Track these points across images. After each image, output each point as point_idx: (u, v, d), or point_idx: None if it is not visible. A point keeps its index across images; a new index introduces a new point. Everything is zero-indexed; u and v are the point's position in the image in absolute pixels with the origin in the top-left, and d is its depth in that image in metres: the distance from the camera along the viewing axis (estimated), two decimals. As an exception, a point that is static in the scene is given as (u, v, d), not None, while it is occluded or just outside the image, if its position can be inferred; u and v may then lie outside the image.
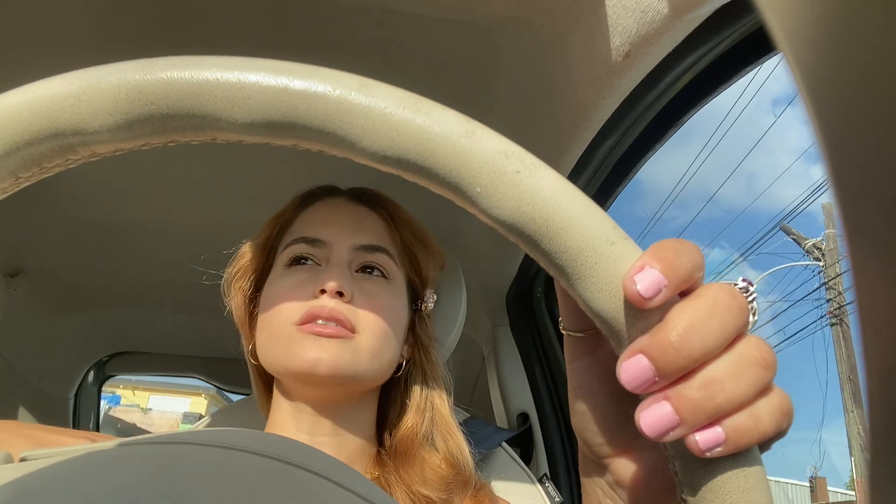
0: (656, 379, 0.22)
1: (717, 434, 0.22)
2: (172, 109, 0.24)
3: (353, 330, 0.55)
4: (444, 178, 0.24)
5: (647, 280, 0.22)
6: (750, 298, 0.25)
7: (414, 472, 0.56)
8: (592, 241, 0.23)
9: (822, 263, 9.51)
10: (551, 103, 0.71)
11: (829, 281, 9.29)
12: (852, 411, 8.75)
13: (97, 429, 1.78)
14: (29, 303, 1.27)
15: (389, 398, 0.63)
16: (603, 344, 0.30)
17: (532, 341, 1.11)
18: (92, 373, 1.68)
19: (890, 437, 0.14)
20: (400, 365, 0.62)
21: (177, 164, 0.93)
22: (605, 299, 0.24)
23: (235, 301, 0.64)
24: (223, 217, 1.04)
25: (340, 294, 0.56)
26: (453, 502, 0.55)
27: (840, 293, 9.12)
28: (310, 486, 0.34)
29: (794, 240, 9.92)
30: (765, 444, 0.24)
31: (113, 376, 1.80)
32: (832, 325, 9.12)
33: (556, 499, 0.76)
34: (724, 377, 0.22)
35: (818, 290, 9.36)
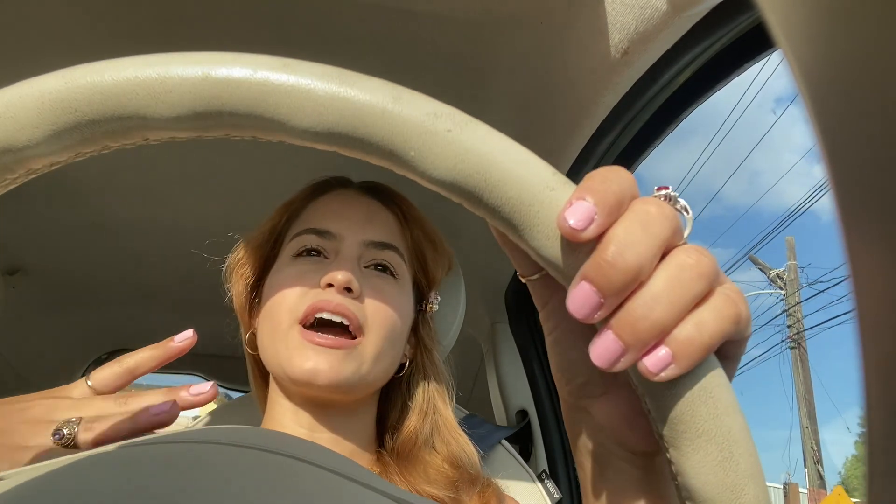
0: (601, 300, 0.22)
1: (662, 352, 0.22)
2: (97, 114, 0.24)
3: (359, 329, 0.54)
4: (377, 146, 0.24)
5: (578, 212, 0.22)
6: (678, 207, 0.26)
7: (417, 473, 0.55)
8: (532, 189, 0.23)
9: (783, 292, 10.42)
10: (550, 100, 0.71)
11: (790, 308, 10.18)
12: (807, 427, 9.61)
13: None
14: (27, 301, 1.26)
15: (390, 399, 0.62)
16: None
17: (531, 338, 1.11)
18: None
19: (888, 435, 0.14)
20: (402, 365, 0.61)
21: (175, 162, 0.93)
22: (552, 245, 0.24)
23: (236, 288, 0.63)
24: (222, 214, 1.04)
25: (349, 290, 0.54)
26: (462, 500, 0.54)
27: (799, 320, 10.00)
28: (315, 481, 0.34)
29: (760, 269, 10.86)
30: (730, 345, 0.25)
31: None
32: (791, 348, 10.01)
33: (556, 495, 0.76)
34: (657, 291, 0.22)
35: (780, 317, 10.37)
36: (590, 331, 0.30)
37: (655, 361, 0.22)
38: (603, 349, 0.23)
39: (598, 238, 0.23)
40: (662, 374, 0.22)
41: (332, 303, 0.53)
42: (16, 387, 1.33)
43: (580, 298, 0.23)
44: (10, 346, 1.30)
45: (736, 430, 0.23)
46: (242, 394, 0.95)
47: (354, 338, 0.54)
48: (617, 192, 0.23)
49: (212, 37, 0.69)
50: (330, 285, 0.54)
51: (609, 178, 0.23)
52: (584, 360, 0.30)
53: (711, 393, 0.23)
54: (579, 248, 0.23)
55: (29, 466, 0.35)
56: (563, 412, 0.34)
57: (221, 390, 1.97)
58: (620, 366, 0.23)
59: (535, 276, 0.30)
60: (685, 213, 0.26)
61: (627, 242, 0.22)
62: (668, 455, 0.24)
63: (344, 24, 0.67)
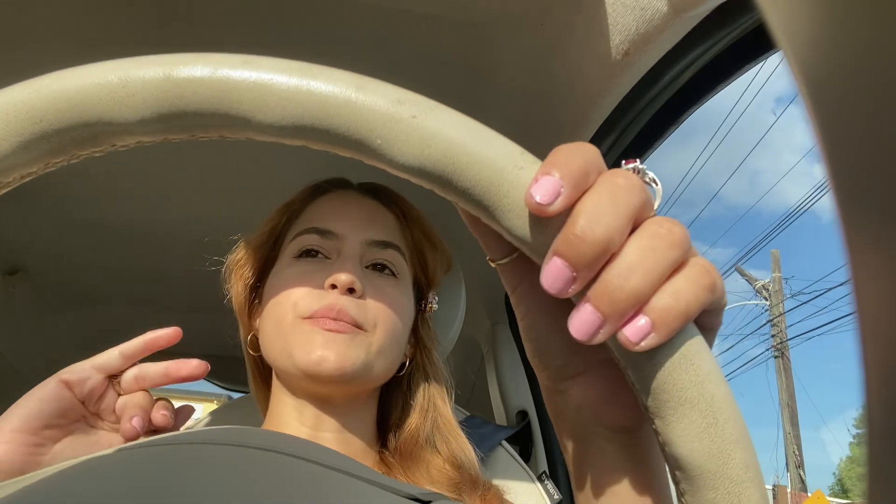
0: (574, 274, 0.22)
1: (641, 321, 0.22)
2: (62, 122, 0.24)
3: (362, 329, 0.54)
4: (344, 136, 0.24)
5: (544, 187, 0.22)
6: (646, 179, 0.26)
7: (420, 473, 0.55)
8: (501, 170, 0.24)
9: (768, 303, 10.91)
10: (551, 101, 0.71)
11: (774, 319, 10.65)
12: (790, 433, 10.09)
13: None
14: (27, 301, 1.26)
15: (391, 398, 0.63)
16: (536, 265, 0.31)
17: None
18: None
19: (888, 436, 0.14)
20: (402, 364, 0.61)
21: (174, 163, 0.93)
22: (523, 224, 0.24)
23: (236, 289, 0.63)
24: (222, 215, 1.04)
25: (351, 290, 0.54)
26: (465, 502, 0.54)
27: (782, 330, 10.46)
28: (316, 480, 0.34)
29: (746, 280, 11.41)
30: (706, 315, 0.25)
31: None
32: (775, 357, 10.45)
33: (556, 496, 0.76)
34: (632, 261, 0.23)
35: (765, 326, 10.92)
36: (560, 313, 0.30)
37: (635, 331, 0.22)
38: (581, 322, 0.23)
39: (568, 212, 0.23)
40: (643, 344, 0.22)
41: (333, 309, 0.53)
42: (16, 387, 1.32)
43: (553, 273, 0.23)
44: (11, 346, 1.30)
45: (719, 397, 0.23)
46: (243, 394, 0.95)
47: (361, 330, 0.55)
48: (582, 165, 0.23)
49: (211, 39, 0.69)
50: (333, 286, 0.54)
51: (573, 152, 0.24)
52: (557, 343, 0.31)
53: (692, 361, 0.23)
54: (549, 223, 0.23)
55: (31, 474, 0.35)
56: (544, 398, 0.34)
57: (222, 391, 1.97)
58: (599, 338, 0.23)
59: (505, 260, 0.31)
60: (654, 185, 0.26)
61: (596, 214, 0.22)
62: (654, 426, 0.24)
63: (344, 25, 0.67)
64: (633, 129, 0.70)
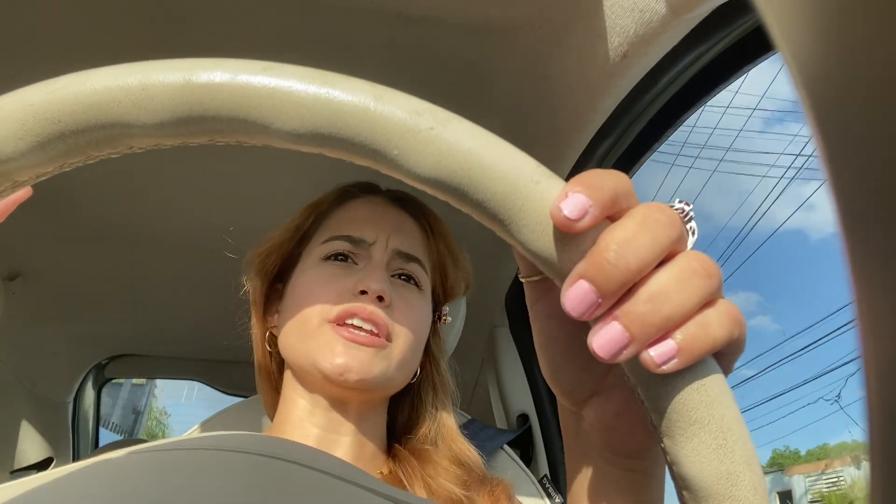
0: (599, 300, 0.22)
1: (669, 346, 0.22)
2: (80, 123, 0.24)
3: (388, 337, 0.55)
4: (360, 145, 0.24)
5: (572, 203, 0.22)
6: (686, 218, 0.26)
7: (430, 470, 0.56)
8: (517, 183, 0.23)
9: None
10: (549, 105, 0.71)
11: None
12: None
13: (97, 432, 1.78)
14: (27, 306, 1.26)
15: (399, 405, 0.63)
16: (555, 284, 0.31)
17: (531, 342, 1.11)
18: (91, 376, 1.67)
19: (889, 437, 0.14)
20: (414, 374, 0.62)
21: (175, 168, 0.93)
22: (540, 238, 0.24)
23: (255, 283, 0.63)
24: (222, 221, 1.04)
25: (380, 298, 0.55)
26: (474, 499, 0.55)
27: None
28: (313, 485, 0.34)
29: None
30: (723, 358, 0.25)
31: (112, 379, 1.80)
32: None
33: (557, 500, 0.76)
34: (667, 289, 0.22)
35: None
36: (572, 336, 0.30)
37: (660, 353, 0.22)
38: (607, 340, 0.23)
39: (588, 233, 0.23)
40: (664, 367, 0.22)
41: (366, 310, 0.54)
42: (15, 392, 1.32)
43: (578, 297, 0.22)
44: (10, 351, 1.30)
45: (729, 418, 0.23)
46: (240, 399, 0.94)
47: (386, 340, 0.55)
48: (612, 189, 0.23)
49: (213, 46, 0.69)
50: (363, 293, 0.55)
51: (604, 175, 0.24)
52: (574, 361, 0.31)
53: (704, 382, 0.23)
54: (568, 242, 0.23)
55: (22, 479, 0.35)
56: (560, 418, 0.35)
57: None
58: (622, 357, 0.23)
59: (536, 278, 0.31)
60: (690, 235, 0.26)
61: (630, 241, 0.22)
62: (662, 445, 0.24)
63: (342, 30, 0.67)
64: (633, 132, 0.70)
